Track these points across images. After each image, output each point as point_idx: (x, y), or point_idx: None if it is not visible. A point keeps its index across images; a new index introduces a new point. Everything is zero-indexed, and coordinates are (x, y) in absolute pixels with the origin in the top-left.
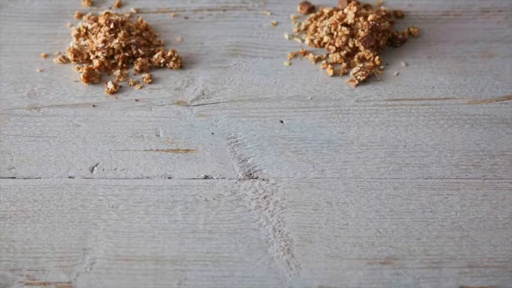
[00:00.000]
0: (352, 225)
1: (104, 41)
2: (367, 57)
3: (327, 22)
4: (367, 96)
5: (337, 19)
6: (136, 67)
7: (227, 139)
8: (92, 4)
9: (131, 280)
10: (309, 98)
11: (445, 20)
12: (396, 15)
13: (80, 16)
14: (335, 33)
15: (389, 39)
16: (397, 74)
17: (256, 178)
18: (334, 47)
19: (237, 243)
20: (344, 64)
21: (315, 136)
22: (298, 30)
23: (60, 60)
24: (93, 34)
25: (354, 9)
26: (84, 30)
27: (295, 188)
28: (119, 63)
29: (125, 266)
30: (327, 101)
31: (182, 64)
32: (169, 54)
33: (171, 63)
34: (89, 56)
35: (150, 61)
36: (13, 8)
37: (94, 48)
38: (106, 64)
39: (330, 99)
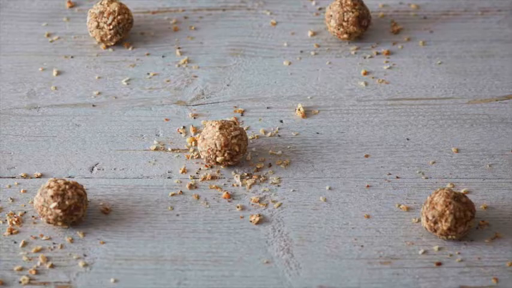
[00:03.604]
0: (351, 225)
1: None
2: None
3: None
4: (367, 96)
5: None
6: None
7: None
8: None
9: (131, 280)
10: (309, 98)
11: (444, 19)
12: None
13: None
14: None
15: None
16: (397, 74)
17: (256, 178)
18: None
19: (236, 242)
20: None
21: (315, 136)
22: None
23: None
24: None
25: None
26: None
27: (295, 187)
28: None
29: (124, 266)
30: (326, 100)
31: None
32: None
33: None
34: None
35: None
36: (13, 8)
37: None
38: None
39: (330, 99)
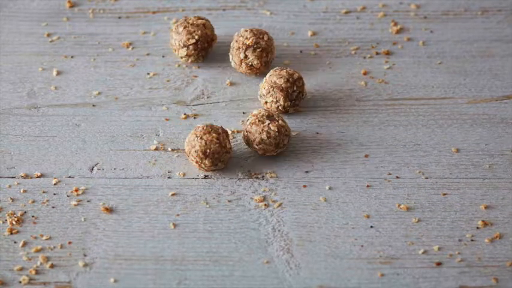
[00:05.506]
0: (351, 225)
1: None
2: None
3: None
4: (367, 96)
5: None
6: None
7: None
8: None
9: (131, 280)
10: (309, 97)
11: (444, 19)
12: None
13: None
14: None
15: None
16: (397, 74)
17: (256, 178)
18: None
19: (236, 242)
20: None
21: (315, 136)
22: None
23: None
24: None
25: None
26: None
27: (295, 187)
28: None
29: (124, 266)
30: (326, 101)
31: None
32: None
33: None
34: None
35: None
36: (13, 8)
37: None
38: None
39: (330, 99)
